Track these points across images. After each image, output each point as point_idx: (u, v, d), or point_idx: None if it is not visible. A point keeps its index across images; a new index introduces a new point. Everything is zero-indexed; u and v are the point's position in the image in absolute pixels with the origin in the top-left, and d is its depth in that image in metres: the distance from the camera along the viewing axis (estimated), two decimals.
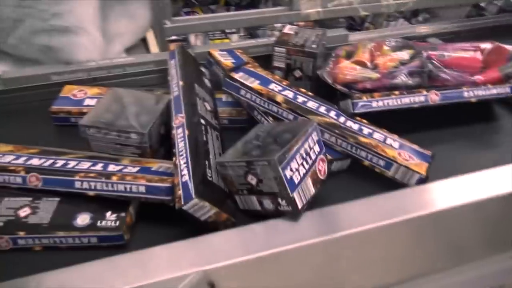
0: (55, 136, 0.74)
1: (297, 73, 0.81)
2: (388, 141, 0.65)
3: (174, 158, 0.56)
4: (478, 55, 0.79)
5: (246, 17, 0.96)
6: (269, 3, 1.21)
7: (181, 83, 0.66)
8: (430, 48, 0.81)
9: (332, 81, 0.78)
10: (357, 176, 0.65)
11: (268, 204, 0.55)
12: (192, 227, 0.53)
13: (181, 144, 0.57)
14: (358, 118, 0.69)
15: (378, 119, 0.70)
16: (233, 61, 0.81)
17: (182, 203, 0.50)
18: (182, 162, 0.54)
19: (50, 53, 0.83)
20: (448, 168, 0.62)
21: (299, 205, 0.53)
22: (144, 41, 1.00)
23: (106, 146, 0.63)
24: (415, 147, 0.66)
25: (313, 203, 0.56)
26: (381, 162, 0.63)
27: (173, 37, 0.99)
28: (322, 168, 0.58)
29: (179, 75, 0.68)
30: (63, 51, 0.82)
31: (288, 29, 0.84)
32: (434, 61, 0.79)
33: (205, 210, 0.52)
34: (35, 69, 0.82)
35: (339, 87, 0.78)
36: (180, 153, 0.56)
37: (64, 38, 0.82)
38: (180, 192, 0.51)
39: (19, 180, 0.57)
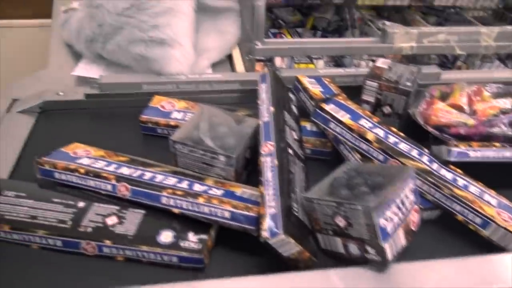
0: (141, 145, 0.76)
1: (387, 109, 0.78)
2: (486, 197, 0.61)
3: (261, 187, 0.55)
4: None
5: (336, 46, 0.94)
6: (356, 31, 1.18)
7: (272, 109, 0.65)
8: None
9: (424, 122, 0.75)
10: (446, 229, 0.61)
11: (354, 249, 0.52)
12: (271, 260, 0.52)
13: (269, 173, 0.56)
14: (452, 166, 0.65)
15: (472, 169, 0.65)
16: (321, 89, 0.79)
17: (269, 236, 0.49)
18: (270, 193, 0.53)
19: (143, 63, 0.86)
20: None
21: (389, 256, 0.50)
22: (229, 57, 1.01)
23: (192, 164, 0.64)
24: None
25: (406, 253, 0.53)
26: (478, 220, 0.58)
27: (259, 57, 0.99)
28: (415, 219, 0.54)
29: (270, 100, 0.67)
30: (157, 62, 0.85)
31: (381, 62, 0.82)
32: None
33: (289, 246, 0.50)
34: (129, 77, 0.85)
35: (430, 129, 0.74)
36: (268, 183, 0.55)
37: (159, 50, 0.84)
38: (267, 224, 0.50)
39: (109, 187, 0.58)
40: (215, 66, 0.98)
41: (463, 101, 0.76)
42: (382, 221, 0.49)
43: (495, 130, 0.74)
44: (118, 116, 0.81)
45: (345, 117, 0.67)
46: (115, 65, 0.91)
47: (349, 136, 0.66)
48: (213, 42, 0.98)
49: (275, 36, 1.17)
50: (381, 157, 0.64)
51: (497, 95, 0.77)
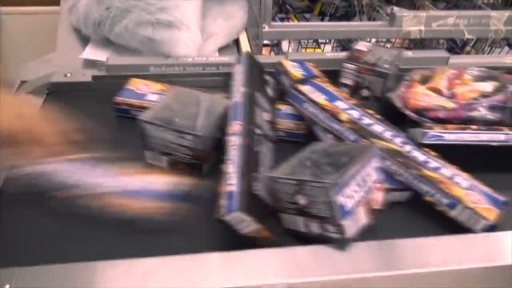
0: (114, 127, 0.75)
1: (365, 93, 0.77)
2: (457, 179, 0.59)
3: (223, 165, 0.54)
4: None
5: (344, 29, 0.93)
6: (364, 17, 1.16)
7: (243, 89, 0.65)
8: None
9: (402, 106, 0.73)
10: (415, 211, 0.60)
11: (315, 227, 0.51)
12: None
13: (233, 152, 0.55)
14: (426, 149, 0.63)
15: (450, 153, 0.64)
16: (303, 73, 0.78)
17: (225, 213, 0.48)
18: (231, 171, 0.52)
19: (151, 45, 0.85)
20: None
21: (348, 234, 0.49)
22: (236, 42, 1.01)
23: (160, 144, 0.63)
24: (487, 189, 0.59)
25: (369, 233, 0.52)
26: (445, 200, 0.57)
27: (266, 41, 0.99)
28: (378, 197, 0.53)
29: (243, 81, 0.67)
30: (164, 44, 0.84)
31: (361, 45, 0.80)
32: None
33: (246, 224, 0.49)
34: (136, 59, 0.85)
35: (408, 112, 0.73)
36: (231, 162, 0.54)
37: (167, 32, 0.83)
38: (224, 202, 0.49)
39: None
40: (221, 50, 0.97)
41: (442, 84, 0.74)
42: (340, 199, 0.48)
43: (475, 113, 0.72)
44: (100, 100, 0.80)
45: (320, 98, 0.66)
46: (122, 49, 0.91)
47: (322, 116, 0.65)
48: (220, 26, 0.97)
49: (282, 21, 1.15)
50: (352, 137, 0.63)
51: (478, 78, 0.75)
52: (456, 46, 1.17)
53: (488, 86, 0.74)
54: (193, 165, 0.63)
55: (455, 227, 0.57)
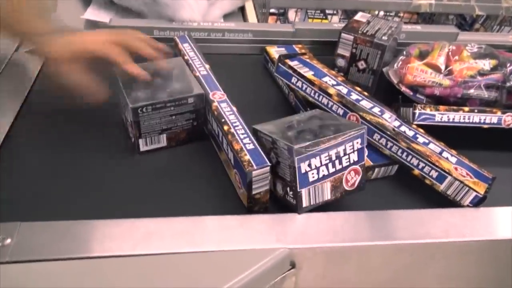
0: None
1: (361, 65, 0.76)
2: (445, 154, 0.59)
3: (226, 126, 0.56)
4: None
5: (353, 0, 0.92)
6: None
7: (207, 66, 0.67)
8: None
9: (398, 82, 0.72)
10: (402, 185, 0.60)
11: (279, 188, 0.53)
12: None
13: (231, 116, 0.57)
14: (414, 126, 0.63)
15: (439, 131, 0.63)
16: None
17: (254, 167, 0.50)
18: (240, 132, 0.55)
19: (155, 7, 0.83)
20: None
21: (303, 203, 0.50)
22: (242, 9, 0.99)
23: (157, 123, 0.59)
24: (474, 166, 0.59)
25: (352, 206, 0.53)
26: (434, 173, 0.56)
27: (272, 10, 0.96)
28: (351, 179, 0.53)
29: (202, 59, 0.68)
30: (169, 7, 0.81)
31: (360, 16, 0.78)
32: None
33: (266, 181, 0.51)
34: (140, 21, 0.83)
35: (404, 89, 0.72)
36: (234, 123, 0.56)
37: None
38: (250, 157, 0.51)
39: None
40: (227, 17, 0.95)
41: (440, 61, 0.72)
42: (304, 166, 0.49)
43: (470, 92, 0.71)
44: None
45: (308, 73, 0.65)
46: (126, 11, 0.89)
47: (310, 91, 0.64)
48: None
49: None
50: (341, 111, 0.62)
51: (477, 56, 0.74)
52: (465, 22, 1.15)
53: (486, 64, 0.72)
54: (194, 129, 0.62)
55: (442, 201, 0.56)
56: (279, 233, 0.49)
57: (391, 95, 0.71)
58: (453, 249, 0.52)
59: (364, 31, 0.74)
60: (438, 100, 0.72)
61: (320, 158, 0.50)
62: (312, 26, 0.90)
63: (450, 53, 0.74)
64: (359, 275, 0.52)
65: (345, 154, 0.52)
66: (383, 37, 0.73)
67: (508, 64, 0.71)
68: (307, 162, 0.48)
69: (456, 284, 0.56)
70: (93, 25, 0.86)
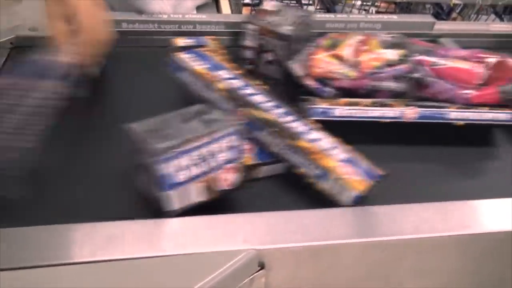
0: None
1: (269, 56, 0.73)
2: (334, 151, 0.56)
3: None
4: (478, 69, 0.67)
5: None
6: None
7: None
8: (425, 52, 0.69)
9: (303, 74, 0.70)
10: (286, 184, 0.57)
11: (152, 189, 0.49)
12: None
13: None
14: (311, 123, 0.60)
15: (344, 126, 0.60)
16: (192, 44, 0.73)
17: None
18: None
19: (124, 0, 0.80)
20: (402, 193, 0.55)
21: (172, 206, 0.48)
22: (216, 1, 0.96)
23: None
24: (365, 163, 0.56)
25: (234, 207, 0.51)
26: (315, 171, 0.54)
27: (246, 1, 0.93)
28: (229, 178, 0.50)
29: None
30: None
31: (268, 5, 0.75)
32: (425, 68, 0.68)
33: None
34: (108, 14, 0.79)
35: (309, 82, 0.69)
36: None
37: None
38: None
39: None
40: (200, 8, 0.92)
41: (347, 51, 0.70)
42: (167, 168, 0.46)
43: (379, 83, 0.69)
44: None
45: (200, 66, 0.62)
46: None
47: (198, 85, 0.61)
48: None
49: None
50: (227, 106, 0.59)
51: (387, 45, 0.71)
52: (442, 11, 1.15)
53: (394, 54, 0.70)
54: None
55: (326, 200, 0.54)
56: (246, 233, 0.47)
57: (296, 89, 0.69)
58: (425, 244, 0.51)
59: (270, 21, 0.71)
60: (347, 93, 0.69)
61: (185, 158, 0.47)
62: None
63: (360, 43, 0.71)
64: (331, 273, 0.51)
65: (218, 152, 0.49)
66: (289, 27, 0.70)
67: (416, 54, 0.69)
68: (168, 164, 0.46)
69: (434, 278, 0.55)
70: None
